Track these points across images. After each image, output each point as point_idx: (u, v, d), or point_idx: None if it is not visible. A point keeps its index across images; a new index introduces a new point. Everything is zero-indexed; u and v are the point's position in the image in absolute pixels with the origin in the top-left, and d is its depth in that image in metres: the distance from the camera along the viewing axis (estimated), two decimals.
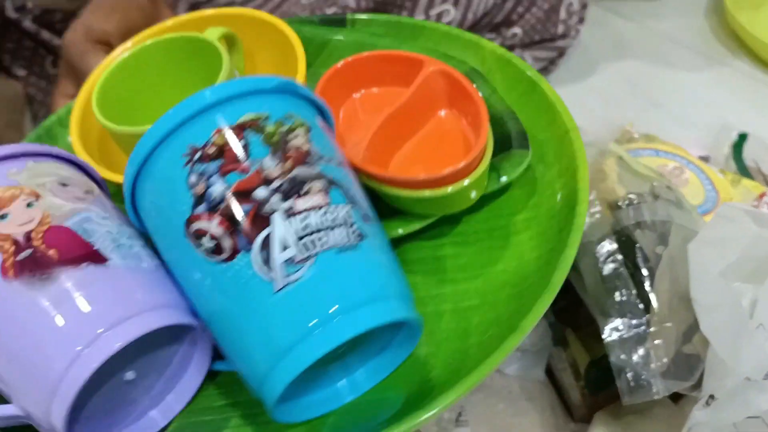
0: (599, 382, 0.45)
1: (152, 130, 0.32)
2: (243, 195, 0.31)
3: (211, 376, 0.36)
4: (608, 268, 0.44)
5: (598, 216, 0.46)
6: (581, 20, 0.82)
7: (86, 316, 0.30)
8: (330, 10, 0.75)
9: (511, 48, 0.80)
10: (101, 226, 0.34)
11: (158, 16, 0.56)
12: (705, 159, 0.63)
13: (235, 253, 0.30)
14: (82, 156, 0.41)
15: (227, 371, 0.36)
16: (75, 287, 0.31)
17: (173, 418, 0.35)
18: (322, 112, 0.36)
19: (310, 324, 0.29)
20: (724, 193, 0.56)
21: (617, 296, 0.43)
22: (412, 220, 0.39)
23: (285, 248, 0.30)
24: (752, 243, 0.40)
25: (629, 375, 0.40)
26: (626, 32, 0.90)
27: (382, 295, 0.31)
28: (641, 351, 0.41)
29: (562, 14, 0.79)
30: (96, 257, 0.32)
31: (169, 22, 0.48)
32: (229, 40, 0.46)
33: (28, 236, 0.32)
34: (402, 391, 0.34)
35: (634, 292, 0.43)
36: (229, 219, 0.30)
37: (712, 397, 0.37)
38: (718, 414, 0.37)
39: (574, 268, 0.43)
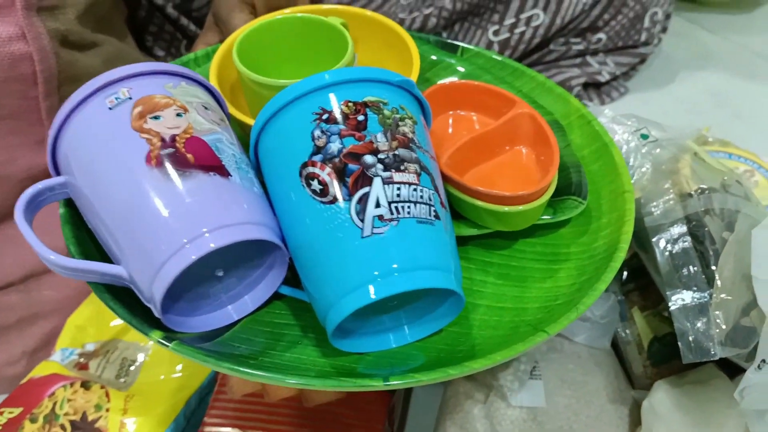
0: (660, 357, 0.51)
1: (295, 86, 0.39)
2: (354, 156, 0.37)
3: (278, 300, 0.43)
4: (678, 247, 0.49)
5: (671, 203, 0.51)
6: (664, 29, 0.86)
7: (199, 215, 0.37)
8: (427, 10, 0.81)
9: (594, 53, 0.85)
10: (229, 148, 0.40)
11: None
12: None
13: (336, 199, 0.37)
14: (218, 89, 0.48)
15: (291, 297, 0.42)
16: (200, 188, 0.37)
17: (244, 316, 0.41)
18: (425, 114, 0.43)
19: (380, 271, 0.35)
20: None
21: (684, 271, 0.48)
22: (472, 226, 0.45)
23: (378, 206, 0.36)
24: None
25: (691, 338, 0.45)
26: (710, 44, 0.93)
27: (440, 266, 0.37)
28: (703, 319, 0.46)
29: (647, 23, 0.83)
30: (222, 170, 0.39)
31: (297, 9, 0.55)
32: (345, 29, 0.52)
33: (173, 138, 0.39)
34: (432, 352, 0.40)
35: (699, 269, 0.48)
36: (338, 172, 0.37)
37: (764, 361, 0.42)
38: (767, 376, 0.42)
39: (646, 249, 0.49)
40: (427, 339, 0.41)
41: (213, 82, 0.49)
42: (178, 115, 0.40)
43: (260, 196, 0.40)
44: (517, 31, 0.80)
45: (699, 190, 0.52)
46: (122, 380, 0.60)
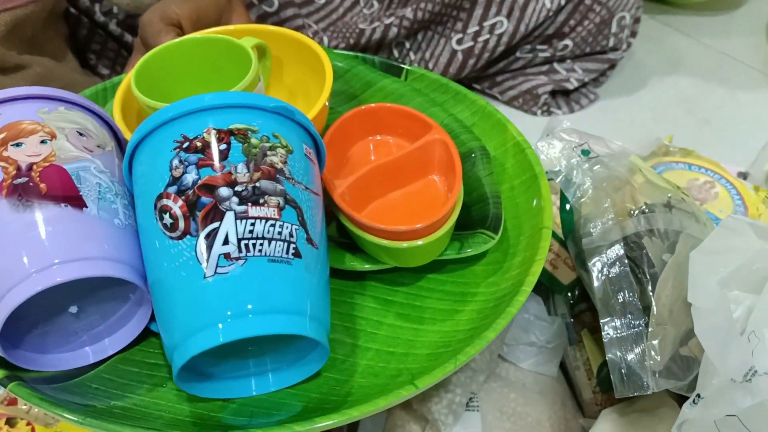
0: (610, 383, 0.46)
1: (161, 112, 0.37)
2: (208, 189, 0.34)
3: (155, 338, 0.40)
4: (614, 271, 0.45)
5: (610, 223, 0.47)
6: (633, 34, 0.82)
7: (48, 246, 0.35)
8: (388, 20, 0.78)
9: (562, 60, 0.82)
10: (95, 177, 0.38)
11: (230, 10, 0.61)
12: (743, 175, 0.64)
13: (185, 234, 0.34)
14: (117, 115, 0.46)
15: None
16: (48, 220, 0.35)
17: (104, 358, 0.39)
18: (315, 142, 0.40)
19: (225, 313, 0.33)
20: (752, 209, 0.57)
21: (620, 297, 0.44)
22: (370, 260, 0.42)
23: (225, 243, 0.33)
24: (753, 255, 0.41)
25: (624, 370, 0.42)
26: (684, 48, 0.90)
27: (295, 310, 0.34)
28: (637, 350, 0.43)
29: (614, 28, 0.80)
30: (77, 201, 0.36)
31: (222, 29, 0.53)
32: (261, 51, 0.50)
33: (30, 166, 0.37)
34: (303, 400, 0.37)
35: (636, 294, 0.44)
36: (190, 205, 0.34)
37: (699, 395, 0.39)
38: (703, 411, 0.38)
39: (586, 270, 0.46)
40: (302, 385, 0.38)
41: (116, 104, 0.47)
42: (43, 141, 0.38)
43: (122, 230, 0.37)
44: (481, 39, 0.77)
45: (640, 211, 0.48)
46: (50, 416, 0.58)
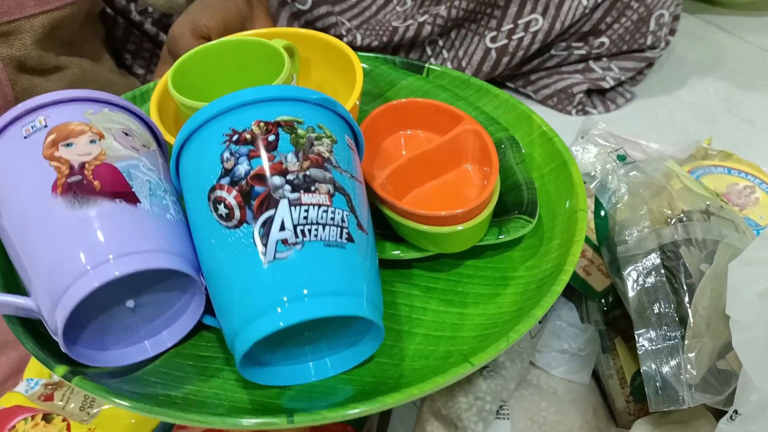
0: (644, 392, 0.45)
1: (207, 108, 0.38)
2: (260, 178, 0.35)
3: (206, 331, 0.41)
4: (650, 280, 0.45)
5: (646, 230, 0.47)
6: (672, 32, 0.81)
7: (103, 241, 0.35)
8: (422, 18, 0.78)
9: (598, 58, 0.81)
10: (145, 174, 0.39)
11: (253, 17, 0.63)
12: None
13: (241, 223, 0.35)
14: (154, 117, 0.47)
15: (216, 327, 0.40)
16: (103, 215, 0.36)
17: (162, 352, 0.39)
18: (354, 134, 0.41)
19: (284, 298, 0.33)
20: None
21: (656, 308, 0.44)
22: (412, 248, 0.43)
23: (282, 229, 0.34)
24: None
25: (658, 383, 0.41)
26: (725, 46, 0.87)
27: (349, 292, 0.34)
28: (672, 362, 0.42)
29: (652, 25, 0.78)
30: (131, 197, 0.37)
31: (252, 32, 0.54)
32: (289, 51, 0.51)
33: (82, 165, 0.37)
34: (357, 385, 0.38)
35: (672, 306, 0.44)
36: (244, 195, 0.35)
37: (736, 411, 0.38)
38: (741, 428, 0.38)
39: (621, 278, 0.46)
40: (355, 370, 0.38)
41: (153, 105, 0.48)
42: (92, 141, 0.39)
43: (174, 224, 0.38)
44: (516, 37, 0.77)
45: (677, 218, 0.47)
46: (86, 412, 0.59)
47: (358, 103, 0.49)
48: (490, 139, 0.45)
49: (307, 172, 0.36)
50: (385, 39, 0.79)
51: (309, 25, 0.81)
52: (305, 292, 0.33)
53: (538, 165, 0.50)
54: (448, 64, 0.82)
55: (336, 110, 0.40)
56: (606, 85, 0.81)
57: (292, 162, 0.36)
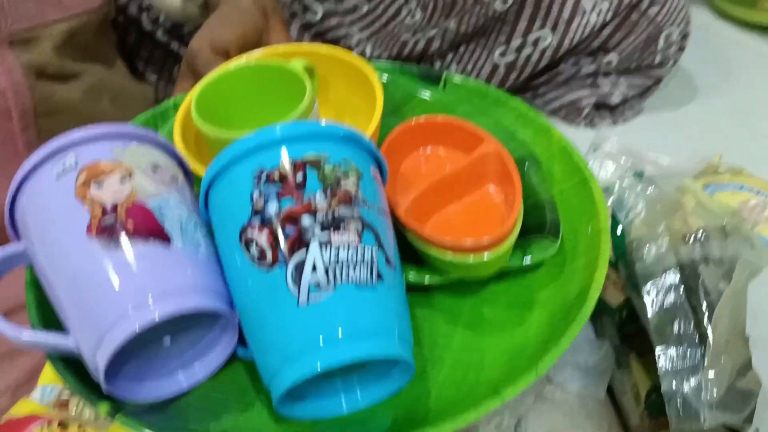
0: (659, 408, 0.46)
1: (235, 145, 0.38)
2: (290, 219, 0.36)
3: (237, 361, 0.42)
4: (669, 299, 0.45)
5: (664, 248, 0.47)
6: (681, 49, 0.81)
7: (141, 283, 0.36)
8: (431, 32, 0.79)
9: (606, 74, 0.82)
10: (175, 211, 0.40)
11: (269, 29, 0.63)
12: None
13: (274, 264, 0.35)
14: (179, 146, 0.47)
15: (247, 360, 0.41)
16: (139, 257, 0.37)
17: (195, 384, 0.40)
18: (379, 163, 0.42)
19: (319, 341, 0.34)
20: None
21: (675, 327, 0.44)
22: (434, 273, 0.44)
23: (314, 271, 0.35)
24: None
25: (679, 403, 0.42)
26: (734, 58, 0.87)
27: (384, 332, 0.35)
28: (693, 381, 0.42)
29: (661, 44, 0.79)
30: (163, 236, 0.38)
31: (263, 52, 0.55)
32: (309, 72, 0.51)
33: (114, 206, 0.38)
34: (386, 419, 0.39)
35: (692, 324, 0.44)
36: (275, 236, 0.36)
37: (757, 430, 0.39)
38: None
39: (639, 294, 0.46)
40: (386, 402, 0.39)
41: (177, 134, 0.49)
42: (123, 180, 0.39)
43: (206, 260, 0.39)
44: (524, 52, 0.77)
45: (695, 236, 0.48)
46: (102, 420, 0.60)
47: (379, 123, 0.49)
48: (512, 161, 0.45)
49: (336, 211, 0.36)
50: (394, 51, 0.80)
51: (319, 36, 0.82)
52: (340, 335, 0.34)
53: (557, 181, 0.51)
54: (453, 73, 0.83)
55: (361, 143, 0.40)
56: (614, 101, 0.81)
57: (320, 201, 0.36)
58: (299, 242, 0.35)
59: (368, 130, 0.47)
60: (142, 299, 0.36)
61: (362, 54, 0.82)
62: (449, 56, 0.83)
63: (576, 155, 0.51)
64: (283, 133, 0.38)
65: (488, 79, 0.80)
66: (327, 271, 0.35)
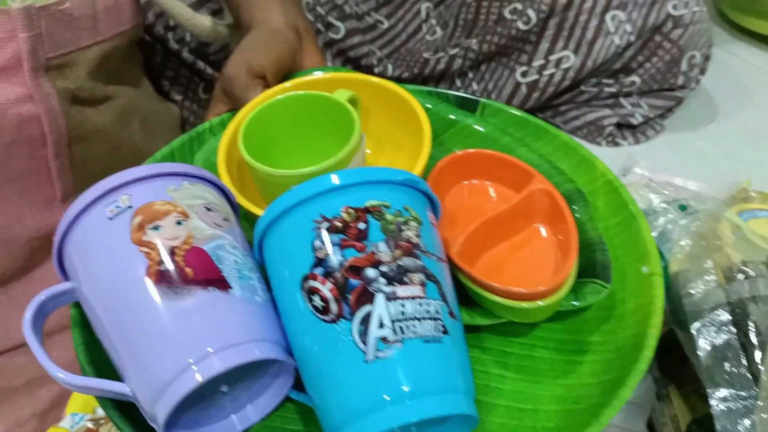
0: None
1: (295, 191, 0.38)
2: (355, 270, 0.36)
3: (290, 402, 0.41)
4: (720, 338, 0.45)
5: (713, 284, 0.47)
6: (702, 71, 0.81)
7: (202, 334, 0.36)
8: (453, 51, 0.78)
9: (627, 95, 0.82)
10: (231, 254, 0.39)
11: (303, 51, 0.62)
12: None
13: (338, 317, 0.35)
14: (226, 181, 0.47)
15: (300, 402, 0.41)
16: (199, 307, 0.36)
17: (248, 426, 0.40)
18: (433, 207, 0.41)
19: (387, 398, 0.34)
20: None
21: (726, 366, 0.44)
22: (485, 314, 0.43)
23: (381, 326, 0.34)
24: None
25: None
26: (754, 80, 0.87)
27: (451, 388, 0.35)
28: (747, 423, 0.42)
29: (684, 66, 0.79)
30: (222, 284, 0.37)
31: (311, 80, 0.54)
32: (352, 102, 0.51)
33: (172, 251, 0.38)
34: None
35: (744, 364, 0.44)
36: (340, 288, 0.35)
37: None
38: None
39: (685, 330, 0.46)
40: None
41: (222, 169, 0.48)
42: (179, 223, 0.39)
43: (263, 307, 0.39)
44: (546, 72, 0.77)
45: (743, 273, 0.47)
46: None
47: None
48: (563, 200, 0.45)
49: (400, 262, 0.36)
50: (416, 71, 0.79)
51: (341, 54, 0.81)
52: (408, 391, 0.34)
53: (602, 216, 0.50)
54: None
55: (419, 188, 0.40)
56: (635, 122, 0.82)
57: (384, 252, 0.36)
58: (364, 295, 0.35)
59: (417, 165, 0.47)
60: (202, 351, 0.35)
61: (384, 73, 0.82)
62: (470, 74, 0.82)
63: (622, 190, 0.50)
64: (343, 180, 0.38)
65: (510, 99, 0.80)
66: (394, 326, 0.34)
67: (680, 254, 0.51)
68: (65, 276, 0.42)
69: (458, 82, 0.83)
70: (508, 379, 0.43)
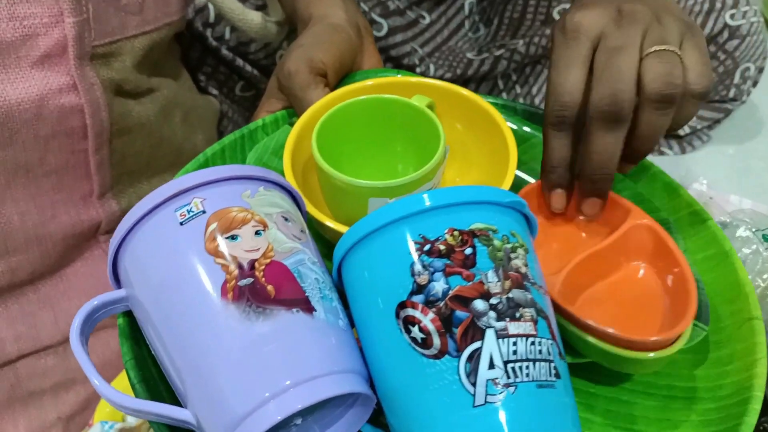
0: None
1: (392, 207, 0.34)
2: (462, 301, 0.32)
3: None
4: None
5: None
6: (755, 84, 0.79)
7: (284, 365, 0.32)
8: (498, 52, 0.75)
9: None
10: (311, 271, 0.35)
11: (363, 50, 0.59)
12: None
13: (442, 353, 0.31)
14: (297, 187, 0.43)
15: None
16: (282, 331, 0.32)
17: None
18: (532, 232, 0.37)
19: None
20: None
21: None
22: (573, 353, 0.40)
23: (491, 367, 0.31)
24: None
25: None
26: None
27: None
28: None
29: (737, 78, 0.77)
30: (306, 305, 0.33)
31: (383, 82, 0.50)
32: (430, 108, 0.47)
33: (252, 264, 0.34)
34: None
35: None
36: (444, 320, 0.32)
37: None
38: None
39: None
40: None
41: (289, 175, 0.44)
42: (257, 233, 0.35)
43: (346, 332, 0.35)
44: None
45: None
46: None
47: None
48: (669, 237, 0.42)
49: (510, 295, 0.32)
50: (459, 71, 0.76)
51: (383, 52, 0.78)
52: None
53: (688, 250, 0.47)
54: (521, 100, 0.79)
55: (523, 211, 0.36)
56: (681, 132, 0.79)
57: (493, 282, 0.32)
58: (473, 330, 0.31)
59: (504, 185, 0.43)
60: (281, 385, 0.31)
61: (426, 72, 0.78)
62: (513, 77, 0.79)
63: (711, 223, 0.47)
64: (447, 198, 0.34)
65: None
66: (506, 368, 0.31)
67: (762, 286, 0.48)
68: (117, 282, 0.38)
69: (501, 84, 0.80)
70: (595, 425, 0.39)
